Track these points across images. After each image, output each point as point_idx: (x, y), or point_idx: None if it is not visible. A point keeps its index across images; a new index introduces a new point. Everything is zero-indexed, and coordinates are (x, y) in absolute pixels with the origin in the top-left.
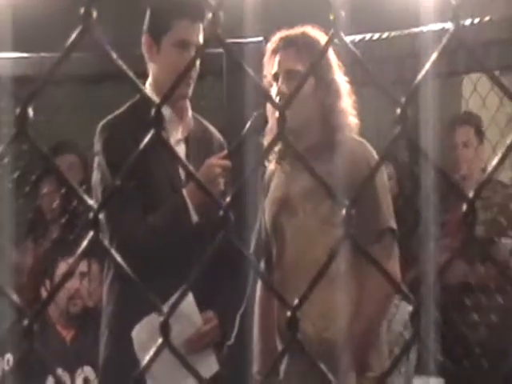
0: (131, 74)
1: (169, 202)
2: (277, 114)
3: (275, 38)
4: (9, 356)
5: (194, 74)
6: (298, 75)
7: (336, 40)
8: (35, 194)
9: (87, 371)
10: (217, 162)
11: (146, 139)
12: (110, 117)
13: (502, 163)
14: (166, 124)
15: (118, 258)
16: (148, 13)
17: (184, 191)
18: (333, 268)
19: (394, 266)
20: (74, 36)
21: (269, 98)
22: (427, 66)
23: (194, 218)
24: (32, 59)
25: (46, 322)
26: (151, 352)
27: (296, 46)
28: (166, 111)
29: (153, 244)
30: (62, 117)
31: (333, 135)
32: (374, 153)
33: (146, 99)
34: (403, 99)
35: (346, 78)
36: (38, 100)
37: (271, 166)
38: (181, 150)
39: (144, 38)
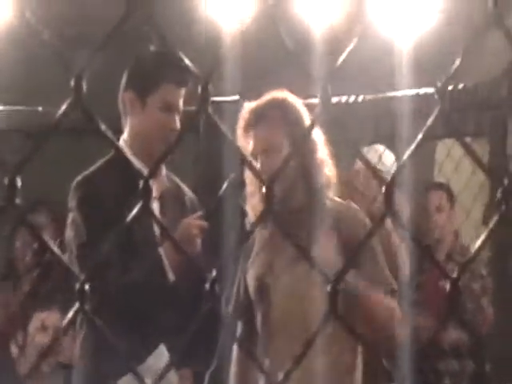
0: (120, 145)
1: (145, 260)
2: (263, 189)
3: (245, 113)
4: None
5: (175, 136)
6: (276, 148)
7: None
8: (8, 248)
9: None
10: (194, 222)
11: (134, 211)
12: (85, 173)
13: (485, 245)
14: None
15: (105, 330)
16: (133, 70)
17: (160, 250)
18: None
19: (397, 328)
20: (63, 108)
21: (255, 172)
22: (424, 129)
23: (171, 276)
24: (13, 112)
25: (16, 377)
26: None
27: (267, 121)
28: (142, 168)
29: (129, 299)
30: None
31: (316, 196)
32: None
33: (135, 171)
34: (395, 165)
35: (319, 131)
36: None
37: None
38: (155, 208)
39: (126, 94)
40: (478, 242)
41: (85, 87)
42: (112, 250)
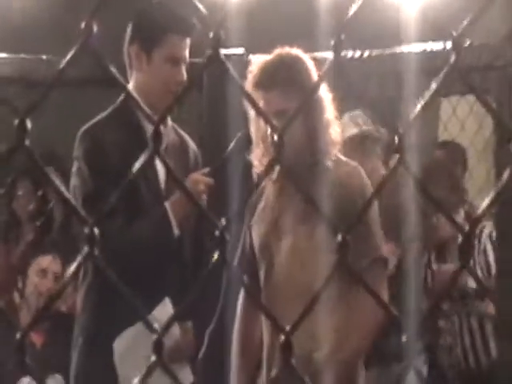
0: (130, 88)
1: (151, 214)
2: (275, 137)
3: (255, 69)
4: None
5: (181, 88)
6: (286, 113)
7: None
8: (10, 196)
9: (58, 379)
10: (201, 178)
11: (144, 157)
12: (91, 122)
13: (495, 203)
14: (146, 134)
15: (114, 276)
16: (137, 23)
17: (166, 204)
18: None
19: (383, 295)
20: (73, 51)
21: (267, 120)
22: (427, 95)
23: (176, 231)
24: (11, 60)
25: (17, 326)
26: (143, 370)
27: (279, 84)
28: (148, 123)
29: (134, 254)
30: (42, 120)
31: (323, 155)
32: (367, 180)
33: (146, 116)
34: (401, 128)
35: (327, 88)
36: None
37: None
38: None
39: (131, 47)
40: (491, 196)
41: (95, 29)
42: (118, 201)
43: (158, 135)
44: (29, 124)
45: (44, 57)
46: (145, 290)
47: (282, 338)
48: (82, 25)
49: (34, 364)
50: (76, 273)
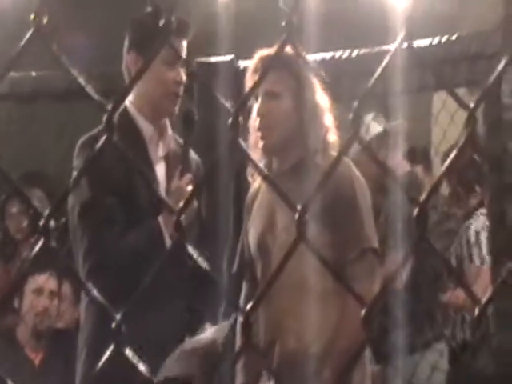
0: (80, 78)
1: (145, 226)
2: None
3: (256, 58)
4: None
5: (181, 90)
6: (277, 96)
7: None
8: (3, 215)
9: None
10: (184, 186)
11: (99, 144)
12: (89, 134)
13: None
14: (147, 141)
15: (72, 265)
16: (133, 30)
17: (160, 218)
18: (316, 284)
19: (375, 286)
20: (24, 40)
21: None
22: (371, 83)
23: (168, 242)
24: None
25: (14, 345)
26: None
27: (274, 67)
28: (148, 128)
29: (126, 265)
30: (32, 131)
31: (314, 153)
32: (358, 173)
33: (98, 104)
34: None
35: (326, 95)
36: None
37: (255, 184)
38: (161, 168)
39: (129, 55)
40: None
41: (45, 20)
42: (115, 211)
43: (111, 124)
44: None
45: (33, 73)
46: (148, 295)
47: (241, 319)
48: (32, 15)
49: (32, 382)
50: (34, 260)
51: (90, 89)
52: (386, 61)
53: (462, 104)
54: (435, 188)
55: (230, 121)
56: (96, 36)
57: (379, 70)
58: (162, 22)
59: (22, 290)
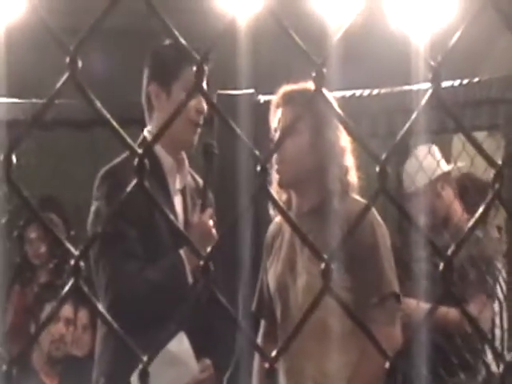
0: (114, 121)
1: (166, 260)
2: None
3: (279, 93)
4: None
5: (202, 120)
6: (296, 132)
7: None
8: (22, 239)
9: None
10: (207, 222)
11: (129, 187)
12: (111, 164)
13: (478, 225)
14: (166, 174)
15: (99, 306)
16: (153, 63)
17: (182, 252)
18: (335, 328)
19: (396, 331)
20: (59, 83)
21: (251, 152)
22: (407, 124)
23: (190, 278)
24: (23, 105)
25: (30, 370)
26: None
27: (295, 103)
28: (168, 160)
29: (148, 299)
30: (51, 161)
31: (334, 195)
32: (379, 218)
33: (128, 148)
34: (383, 156)
35: (348, 135)
36: (28, 143)
37: (276, 219)
38: (178, 201)
39: (150, 87)
40: (472, 221)
41: (80, 64)
42: (136, 244)
43: (142, 167)
44: (14, 159)
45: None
46: (155, 334)
47: (267, 365)
48: (67, 59)
49: None
50: (63, 300)
51: (120, 130)
52: (423, 101)
53: (489, 160)
54: (463, 242)
55: (258, 168)
56: (116, 65)
57: (416, 111)
58: (194, 69)
59: (39, 316)
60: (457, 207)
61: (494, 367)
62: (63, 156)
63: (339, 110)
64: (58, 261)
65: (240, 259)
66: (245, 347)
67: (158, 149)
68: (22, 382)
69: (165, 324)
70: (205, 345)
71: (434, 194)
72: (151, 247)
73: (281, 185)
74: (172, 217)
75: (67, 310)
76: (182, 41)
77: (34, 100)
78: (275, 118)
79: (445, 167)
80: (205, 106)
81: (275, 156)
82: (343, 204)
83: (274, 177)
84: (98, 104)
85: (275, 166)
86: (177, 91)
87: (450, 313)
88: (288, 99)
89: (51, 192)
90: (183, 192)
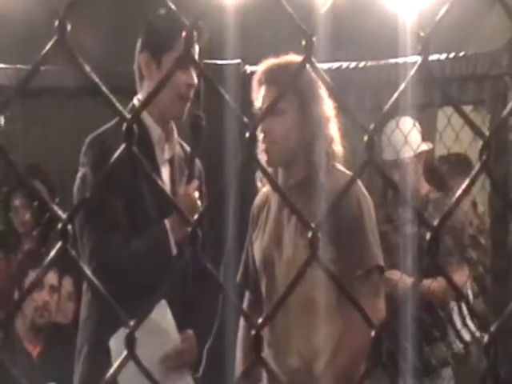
0: (104, 87)
1: (150, 232)
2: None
3: (260, 69)
4: None
5: (192, 93)
6: (280, 112)
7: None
8: (7, 207)
9: None
10: (193, 193)
11: (117, 152)
12: (98, 131)
13: (464, 196)
14: (154, 143)
15: (87, 271)
16: (146, 32)
17: (166, 222)
18: (320, 301)
19: (380, 304)
20: (47, 47)
21: (240, 119)
22: (395, 95)
23: (174, 250)
24: (8, 70)
25: (13, 337)
26: (115, 364)
27: (279, 82)
28: (157, 130)
29: (132, 270)
30: (39, 128)
31: (319, 167)
32: (364, 189)
33: (117, 113)
34: (371, 126)
35: (332, 104)
36: (16, 110)
37: (263, 189)
38: (165, 171)
39: (141, 56)
40: (458, 192)
41: (69, 28)
42: (123, 212)
43: (130, 133)
44: (1, 121)
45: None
46: (141, 296)
47: (253, 332)
48: (56, 22)
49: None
50: (51, 264)
51: (110, 95)
52: (412, 72)
53: (477, 131)
54: (449, 214)
55: (247, 135)
56: (106, 35)
57: (403, 84)
58: (184, 34)
59: (23, 283)
60: (423, 182)
61: (465, 336)
62: (49, 124)
63: (328, 79)
64: (43, 228)
65: (225, 230)
66: (228, 317)
67: (147, 118)
68: (5, 348)
69: (148, 294)
70: (187, 316)
71: (413, 167)
72: (136, 217)
73: (269, 163)
74: (160, 182)
75: (52, 278)
76: (173, 7)
77: (19, 66)
78: (259, 96)
79: (429, 144)
80: (195, 80)
81: (261, 136)
82: (329, 177)
83: (261, 157)
84: (88, 68)
85: (262, 146)
86: (167, 63)
87: (433, 284)
88: (272, 78)
89: (37, 160)
90: (171, 162)
